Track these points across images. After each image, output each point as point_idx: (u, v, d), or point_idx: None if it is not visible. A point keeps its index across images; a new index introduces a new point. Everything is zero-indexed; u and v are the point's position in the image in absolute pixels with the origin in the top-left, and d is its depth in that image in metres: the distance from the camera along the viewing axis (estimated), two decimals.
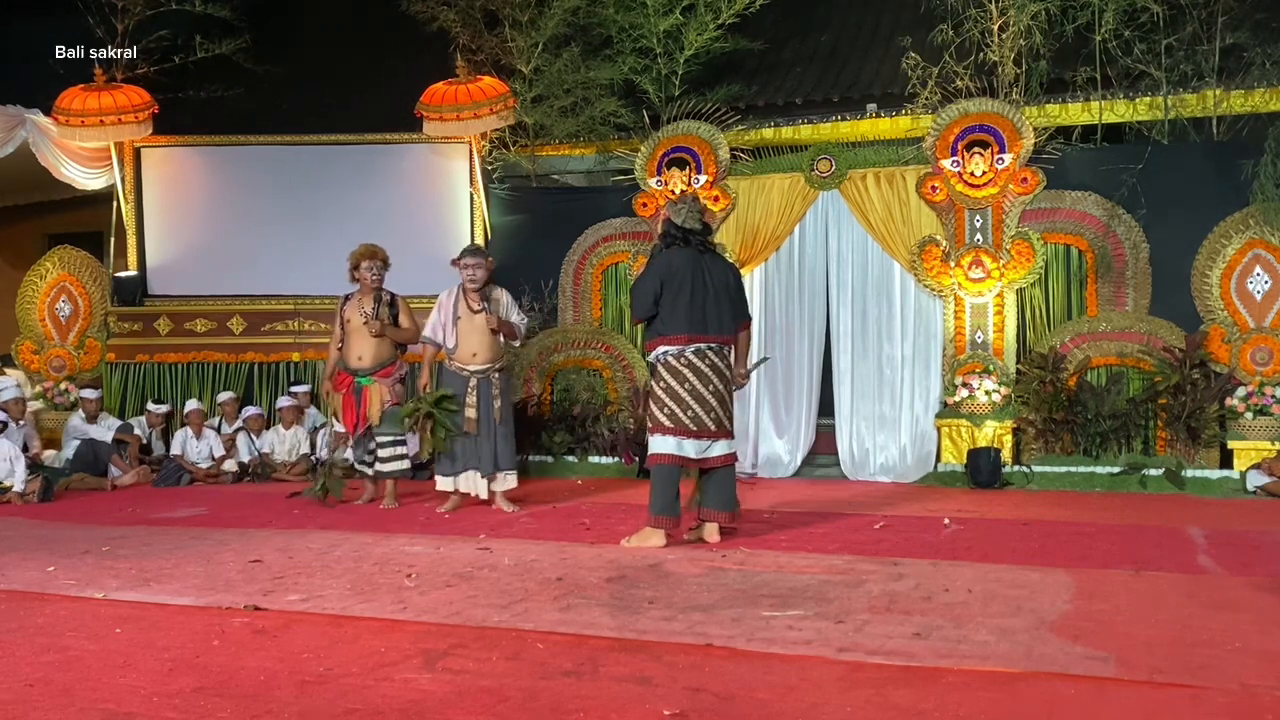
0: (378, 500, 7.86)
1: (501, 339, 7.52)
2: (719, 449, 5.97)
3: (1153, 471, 8.32)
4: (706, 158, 10.03)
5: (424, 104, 10.45)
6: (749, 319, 6.31)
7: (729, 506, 6.04)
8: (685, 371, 5.90)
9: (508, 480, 7.47)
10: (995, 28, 9.50)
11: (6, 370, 10.73)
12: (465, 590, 4.49)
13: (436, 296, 10.75)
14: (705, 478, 6.06)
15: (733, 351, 6.17)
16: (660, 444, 5.93)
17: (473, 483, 7.39)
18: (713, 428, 5.91)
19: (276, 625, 3.91)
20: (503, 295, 7.60)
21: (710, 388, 5.91)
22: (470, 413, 7.29)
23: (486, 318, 7.38)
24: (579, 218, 10.79)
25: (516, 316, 7.60)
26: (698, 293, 5.95)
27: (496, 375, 7.42)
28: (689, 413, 5.87)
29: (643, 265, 10.00)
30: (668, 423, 5.89)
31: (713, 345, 5.96)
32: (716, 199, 10.04)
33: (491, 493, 7.44)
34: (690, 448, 5.90)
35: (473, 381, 7.34)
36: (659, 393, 5.95)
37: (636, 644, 3.57)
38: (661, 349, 5.98)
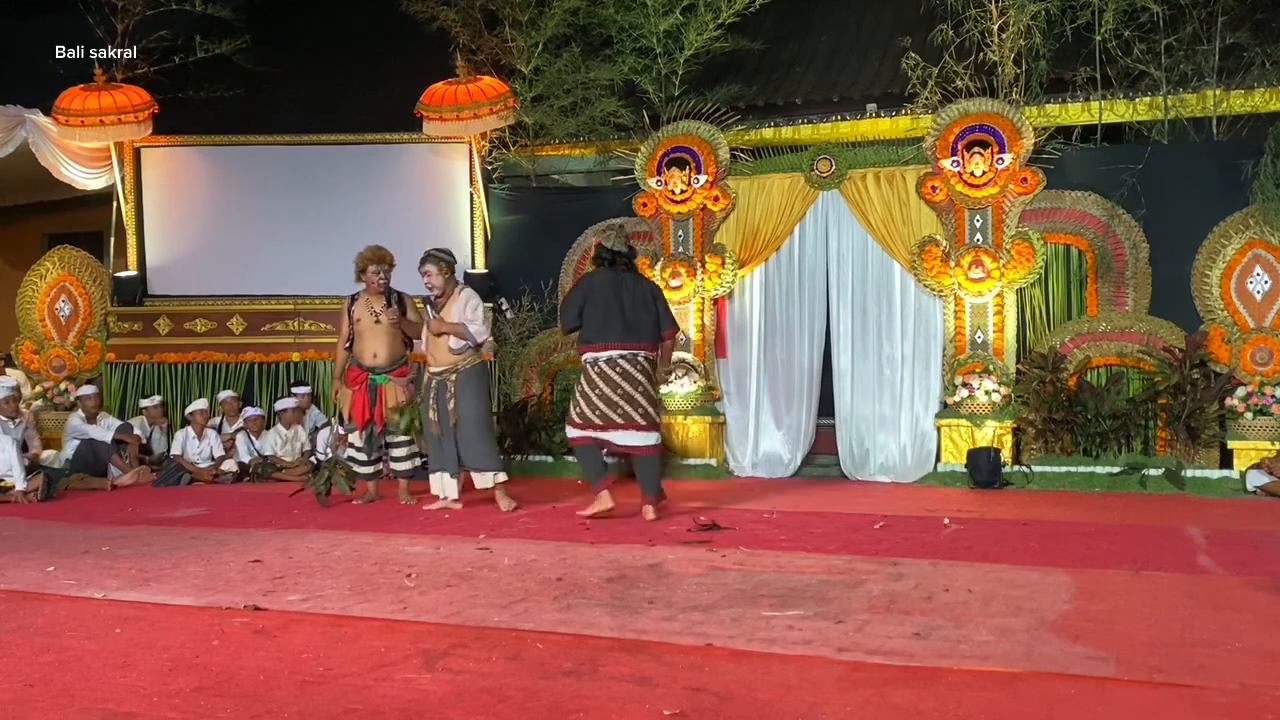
0: (379, 500, 7.88)
1: (453, 343, 7.38)
2: (631, 438, 6.96)
3: (1153, 471, 8.32)
4: (706, 158, 10.04)
5: (424, 104, 10.45)
6: (674, 329, 7.36)
7: (653, 489, 7.01)
8: (596, 378, 7.00)
9: (484, 479, 7.38)
10: (995, 28, 9.50)
11: (7, 370, 10.72)
12: (465, 590, 4.49)
13: None
14: (631, 463, 7.26)
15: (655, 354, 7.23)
16: (573, 432, 7.11)
17: (440, 484, 7.50)
18: (620, 421, 6.93)
19: (276, 625, 3.91)
20: (463, 298, 7.51)
21: (619, 391, 6.95)
22: (431, 415, 7.43)
23: (428, 323, 7.49)
24: (579, 218, 10.79)
25: (470, 318, 7.39)
26: (613, 307, 7.04)
27: (453, 378, 7.35)
28: (596, 412, 6.96)
29: (643, 266, 10.07)
30: (577, 419, 7.06)
31: (625, 354, 7.01)
32: (717, 199, 10.04)
33: (490, 491, 7.48)
34: (603, 437, 7.01)
35: (433, 384, 7.45)
36: (576, 393, 7.14)
37: (636, 644, 3.57)
38: (587, 355, 7.08)
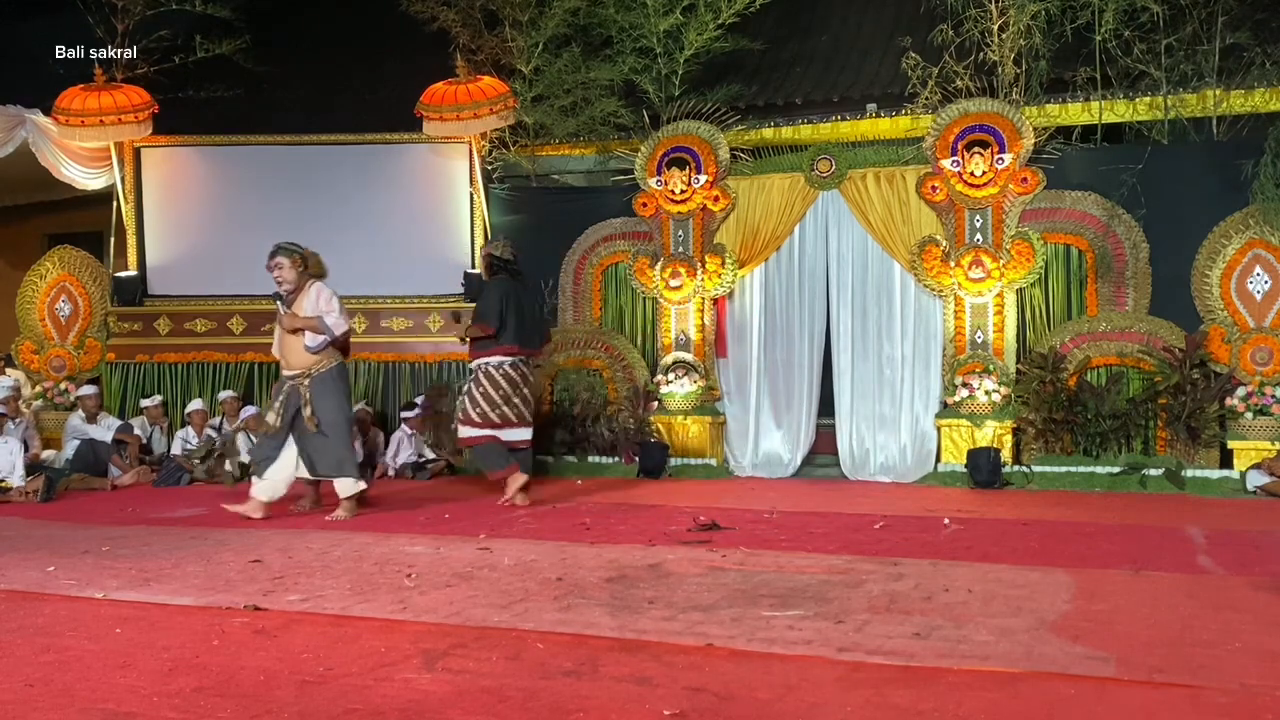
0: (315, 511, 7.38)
1: (308, 339, 7.01)
2: (520, 434, 7.69)
3: (1153, 471, 8.32)
4: (706, 158, 10.04)
5: (424, 104, 10.44)
6: (550, 337, 8.31)
7: (528, 469, 7.81)
8: (501, 380, 7.58)
9: (346, 486, 7.05)
10: (995, 28, 9.50)
11: (7, 370, 10.72)
12: (465, 590, 4.49)
13: (438, 297, 10.83)
14: (512, 455, 7.69)
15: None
16: (468, 431, 7.60)
17: (265, 487, 7.06)
18: (515, 420, 7.64)
19: (276, 625, 3.91)
20: (314, 291, 7.12)
21: (518, 392, 7.66)
22: (270, 417, 7.10)
23: (279, 319, 7.13)
24: (579, 218, 10.80)
25: (325, 309, 7.04)
26: (519, 315, 7.66)
27: (306, 383, 7.00)
28: (497, 411, 7.57)
29: (643, 266, 10.06)
30: (477, 418, 7.56)
31: (523, 358, 7.75)
32: (717, 199, 10.04)
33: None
34: (501, 435, 7.59)
35: (286, 386, 7.11)
36: (476, 394, 7.59)
37: (636, 644, 3.57)
38: (487, 359, 7.61)
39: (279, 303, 7.16)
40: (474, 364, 7.75)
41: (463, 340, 8.01)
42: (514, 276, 7.87)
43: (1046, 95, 9.73)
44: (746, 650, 3.48)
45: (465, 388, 7.80)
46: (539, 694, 3.02)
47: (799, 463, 9.81)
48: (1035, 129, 9.18)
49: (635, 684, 3.11)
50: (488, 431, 7.59)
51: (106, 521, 7.02)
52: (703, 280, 10.01)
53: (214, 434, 9.86)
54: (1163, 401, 8.54)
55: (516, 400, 7.66)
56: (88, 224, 12.46)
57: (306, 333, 7.00)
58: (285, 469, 7.09)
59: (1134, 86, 9.68)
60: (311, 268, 7.22)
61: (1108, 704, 2.91)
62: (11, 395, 9.16)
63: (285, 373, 7.16)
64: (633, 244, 10.50)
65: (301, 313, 7.05)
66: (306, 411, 6.96)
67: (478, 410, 7.57)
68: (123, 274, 11.07)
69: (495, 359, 7.62)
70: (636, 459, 9.71)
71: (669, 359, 10.04)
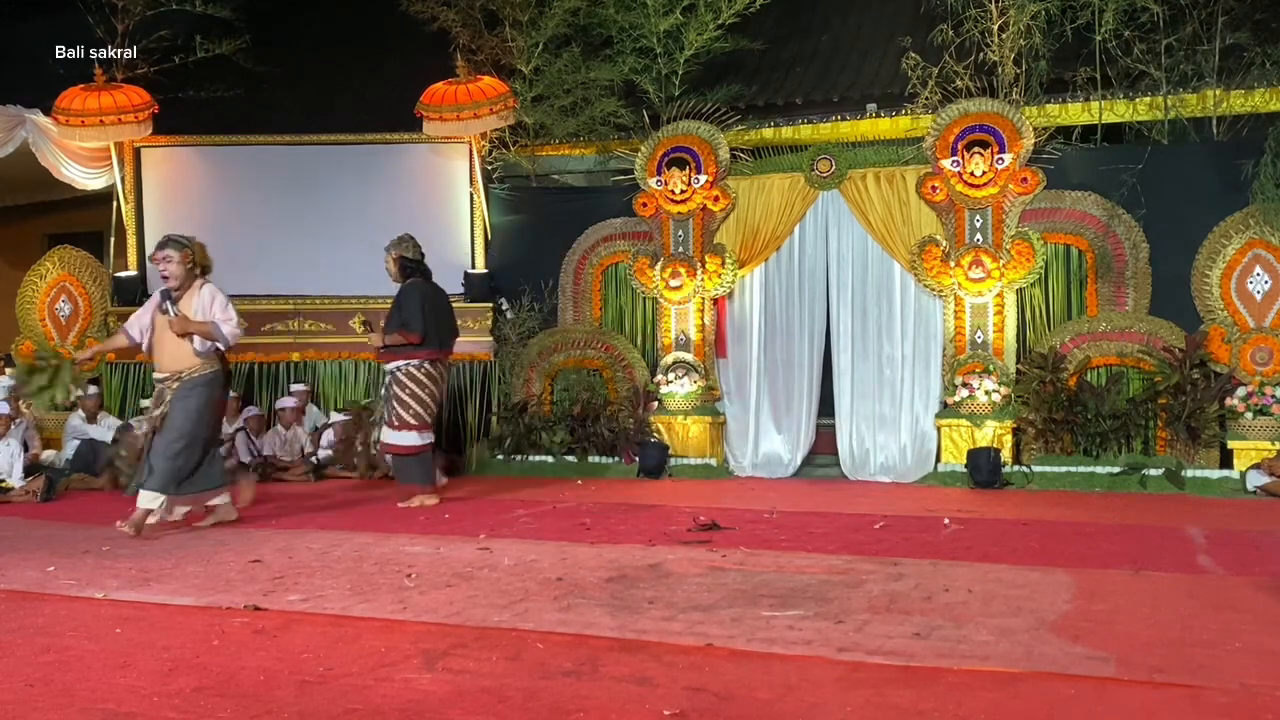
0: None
1: (197, 344, 6.49)
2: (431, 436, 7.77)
3: (1153, 471, 8.32)
4: (706, 158, 10.04)
5: (424, 104, 10.45)
6: (458, 333, 8.19)
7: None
8: (426, 380, 7.59)
9: (145, 498, 6.33)
10: (995, 28, 9.50)
11: (7, 370, 10.71)
12: (465, 590, 4.49)
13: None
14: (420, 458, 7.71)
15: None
16: (413, 438, 7.57)
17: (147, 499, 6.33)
18: (429, 421, 7.69)
19: (276, 625, 3.90)
20: (205, 293, 6.60)
21: (441, 390, 7.82)
22: (144, 427, 6.57)
23: (169, 321, 6.50)
24: (579, 218, 10.80)
25: (222, 317, 6.55)
26: (440, 315, 7.76)
27: (175, 385, 6.48)
28: (428, 410, 7.61)
29: (643, 266, 10.06)
30: (413, 421, 7.55)
31: (443, 358, 7.81)
32: (717, 199, 10.04)
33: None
34: (429, 436, 7.69)
35: (156, 390, 6.65)
36: (406, 397, 7.55)
37: (636, 644, 3.57)
38: (409, 360, 7.57)
39: (166, 301, 6.56)
40: (394, 365, 7.65)
41: (382, 349, 7.71)
42: (426, 277, 7.90)
43: (1046, 95, 9.74)
44: (746, 650, 3.48)
45: (388, 392, 7.66)
46: (539, 694, 3.02)
47: (799, 463, 9.81)
48: (1035, 129, 9.18)
49: (635, 684, 3.11)
50: (429, 437, 7.65)
51: (106, 521, 7.01)
52: (703, 280, 10.02)
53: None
54: (1163, 401, 8.55)
55: (438, 401, 7.81)
56: (88, 224, 12.47)
57: (195, 337, 6.49)
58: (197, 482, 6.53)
59: (1134, 86, 9.69)
60: (200, 262, 6.68)
61: (1108, 704, 2.91)
62: (11, 395, 9.15)
63: (158, 376, 6.63)
64: (633, 244, 10.50)
65: (190, 313, 6.51)
66: (155, 413, 6.47)
67: (411, 413, 7.54)
68: (123, 274, 11.08)
69: (417, 360, 7.61)
70: (636, 459, 9.71)
71: (669, 359, 10.04)
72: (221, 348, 6.59)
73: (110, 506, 7.88)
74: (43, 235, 13.72)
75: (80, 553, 5.64)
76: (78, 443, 9.55)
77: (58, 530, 6.61)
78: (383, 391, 7.86)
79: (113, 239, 11.48)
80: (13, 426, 8.87)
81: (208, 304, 6.57)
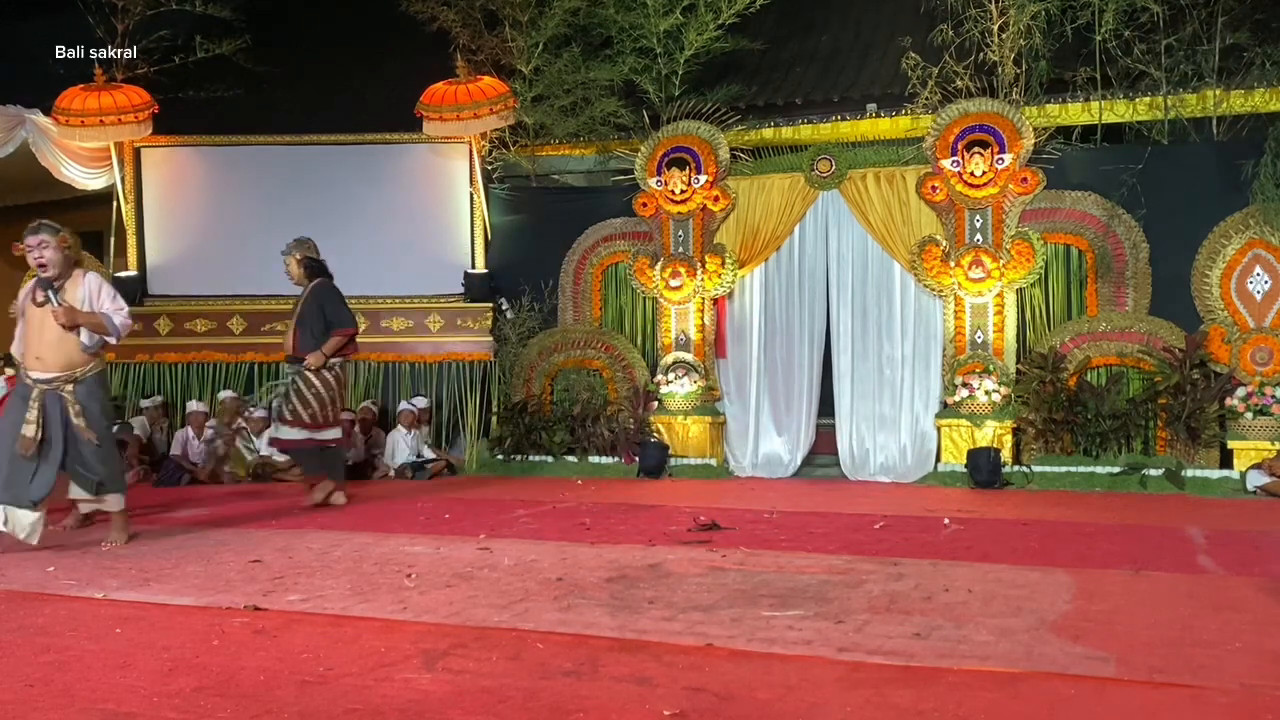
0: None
1: (85, 337, 5.88)
2: (336, 433, 7.72)
3: (1153, 471, 8.32)
4: (706, 158, 10.04)
5: (424, 104, 10.45)
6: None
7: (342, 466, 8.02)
8: (331, 380, 7.51)
9: (114, 501, 6.04)
10: (995, 28, 9.50)
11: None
12: (465, 590, 4.49)
13: (438, 297, 10.83)
14: (325, 453, 7.69)
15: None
16: (303, 433, 7.46)
17: (14, 520, 5.70)
18: (335, 420, 7.67)
19: (276, 625, 3.90)
20: (91, 281, 6.01)
21: (342, 391, 7.77)
22: (28, 430, 5.71)
23: (54, 312, 5.81)
24: (579, 218, 10.80)
25: (112, 307, 5.97)
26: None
27: (70, 389, 5.82)
28: (324, 411, 7.50)
29: (643, 266, 10.06)
30: (308, 420, 7.45)
31: (345, 359, 7.74)
32: (717, 199, 10.04)
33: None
34: (332, 433, 7.64)
35: (35, 393, 5.79)
36: (309, 395, 7.43)
37: (636, 644, 3.57)
38: (336, 358, 7.52)
39: (47, 291, 5.89)
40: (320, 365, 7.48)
41: (325, 358, 7.44)
42: (330, 277, 7.84)
43: (1046, 95, 9.74)
44: (746, 650, 3.48)
45: (291, 388, 7.49)
46: (539, 694, 3.02)
47: (799, 463, 9.82)
48: (1035, 129, 9.18)
49: (635, 684, 3.11)
50: (318, 434, 7.55)
51: (107, 521, 7.00)
52: (703, 280, 10.02)
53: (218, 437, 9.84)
54: (1163, 401, 8.55)
55: (341, 399, 7.78)
56: (88, 224, 12.40)
57: (83, 330, 5.87)
58: (43, 489, 5.76)
59: (1134, 86, 9.69)
60: (75, 251, 6.08)
61: (1108, 704, 2.91)
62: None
63: (36, 375, 5.82)
64: (633, 244, 10.50)
65: (76, 304, 5.88)
66: (80, 422, 5.79)
67: (309, 411, 7.46)
68: (123, 274, 11.08)
69: (338, 358, 7.57)
70: (636, 459, 9.71)
71: (669, 359, 10.04)
72: (113, 341, 6.04)
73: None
74: None
75: (80, 553, 5.64)
76: None
77: (58, 530, 6.59)
78: (281, 389, 7.61)
79: (113, 239, 11.48)
80: None
81: (94, 293, 5.95)
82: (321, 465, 7.72)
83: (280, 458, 9.08)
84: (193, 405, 10.08)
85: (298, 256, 7.76)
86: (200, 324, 10.89)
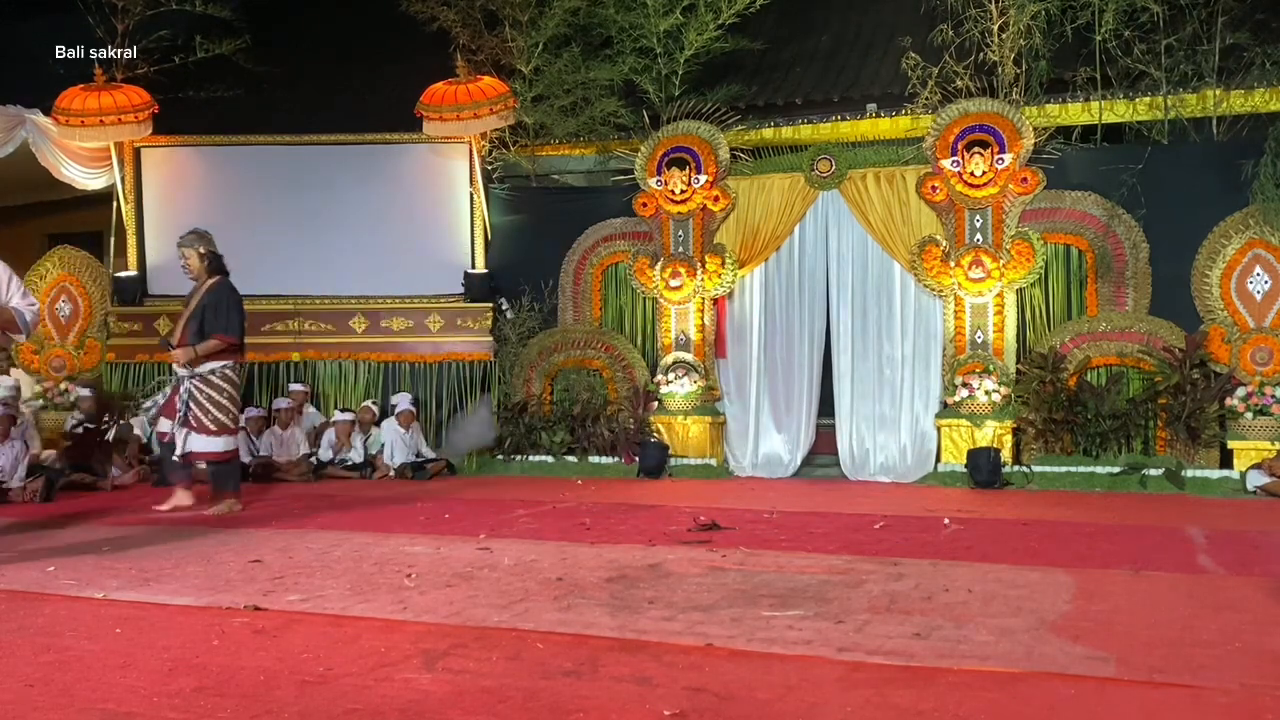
0: None
1: None
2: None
3: (1153, 471, 8.32)
4: (706, 158, 10.04)
5: (424, 104, 10.45)
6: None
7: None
8: (237, 382, 7.30)
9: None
10: (995, 28, 9.50)
11: (10, 371, 10.71)
12: (465, 590, 4.49)
13: (438, 297, 10.83)
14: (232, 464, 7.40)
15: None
16: (228, 442, 7.22)
17: None
18: (236, 425, 7.39)
19: (276, 625, 3.90)
20: (1, 272, 5.48)
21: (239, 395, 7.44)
22: None
23: None
24: (579, 218, 10.80)
25: (23, 303, 5.51)
26: (241, 315, 7.32)
27: None
28: (236, 415, 7.35)
29: (643, 266, 10.05)
30: (230, 425, 7.21)
31: (243, 361, 7.50)
32: (717, 199, 10.04)
33: None
34: (236, 441, 7.41)
35: None
36: (223, 400, 7.14)
37: (636, 644, 3.57)
38: (223, 362, 7.15)
39: None
40: (209, 368, 7.12)
41: (195, 357, 7.11)
42: (226, 274, 7.43)
43: (1046, 95, 9.75)
44: (746, 650, 3.48)
45: (199, 394, 7.10)
46: (539, 694, 3.02)
47: (799, 463, 9.82)
48: (1035, 129, 9.18)
49: (635, 684, 3.11)
50: (236, 442, 7.37)
51: (106, 521, 7.01)
52: (703, 280, 10.02)
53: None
54: (1163, 401, 8.55)
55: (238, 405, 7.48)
56: (88, 224, 12.47)
57: None
58: None
59: (1134, 86, 9.69)
60: None
61: (1108, 704, 2.91)
62: (12, 396, 9.15)
63: None
64: (633, 244, 10.50)
65: None
66: None
67: (229, 417, 7.21)
68: (123, 274, 11.08)
69: (231, 361, 7.25)
70: (636, 459, 9.71)
71: (669, 359, 10.04)
72: (21, 339, 5.81)
73: (109, 506, 7.88)
74: (43, 235, 13.71)
75: (80, 553, 5.63)
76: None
77: (57, 530, 6.60)
78: (182, 396, 7.16)
79: (113, 239, 11.48)
80: (14, 428, 8.86)
81: (3, 286, 5.46)
82: (236, 479, 7.46)
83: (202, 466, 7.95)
84: None
85: (200, 250, 7.31)
86: None
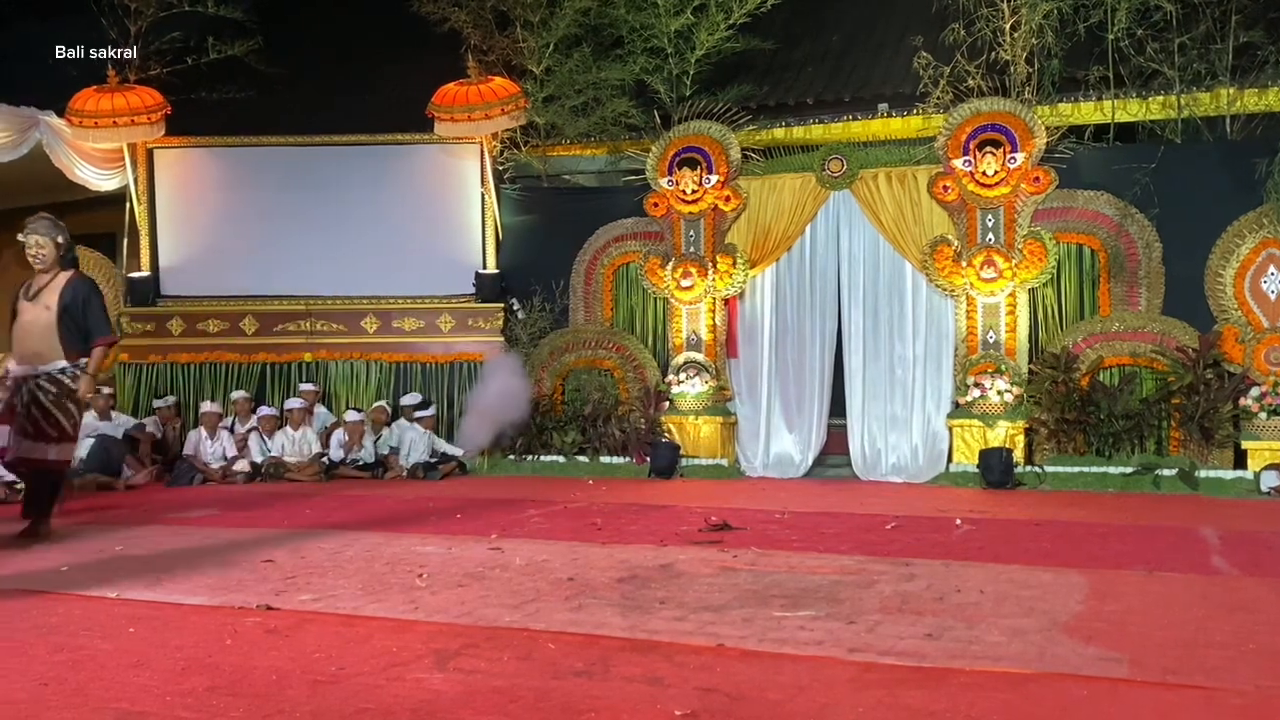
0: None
1: None
2: None
3: (1166, 472, 8.28)
4: (718, 157, 10.03)
5: (435, 104, 10.47)
6: None
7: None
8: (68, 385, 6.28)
9: None
10: (1007, 27, 9.48)
11: None
12: (477, 590, 4.50)
13: (449, 297, 10.85)
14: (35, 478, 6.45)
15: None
16: (74, 450, 6.54)
17: None
18: None
19: (289, 625, 3.91)
20: None
21: None
22: None
23: None
24: (590, 218, 10.81)
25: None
26: None
27: None
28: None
29: (654, 266, 10.03)
30: (72, 432, 6.34)
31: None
32: (728, 199, 10.04)
33: None
34: None
35: None
36: (70, 406, 6.24)
37: (648, 644, 3.57)
38: (77, 364, 6.25)
39: None
40: (61, 367, 6.22)
41: (94, 379, 6.44)
42: (77, 267, 6.72)
43: (1059, 94, 9.72)
44: (758, 650, 3.48)
45: (46, 399, 6.18)
46: (550, 694, 3.03)
47: (810, 463, 9.80)
48: (1047, 128, 9.16)
49: (647, 684, 3.11)
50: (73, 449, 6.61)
51: (120, 521, 7.04)
52: (714, 280, 10.01)
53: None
54: (1176, 402, 8.51)
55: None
56: (101, 225, 12.50)
57: None
58: None
59: (1147, 85, 9.66)
60: None
61: (1121, 705, 2.90)
62: None
63: None
64: (644, 244, 10.50)
65: None
66: None
67: (72, 423, 6.35)
68: (136, 275, 11.13)
69: (79, 363, 6.30)
70: (648, 459, 9.71)
71: (680, 359, 10.04)
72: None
73: (123, 506, 7.92)
74: None
75: (94, 552, 5.66)
76: (91, 441, 9.57)
77: (71, 529, 6.63)
78: (24, 398, 6.21)
79: (126, 240, 11.52)
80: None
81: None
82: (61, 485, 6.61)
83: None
84: (206, 405, 10.11)
85: (58, 239, 6.48)
86: (213, 324, 10.92)
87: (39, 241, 6.42)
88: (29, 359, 6.24)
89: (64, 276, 6.40)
